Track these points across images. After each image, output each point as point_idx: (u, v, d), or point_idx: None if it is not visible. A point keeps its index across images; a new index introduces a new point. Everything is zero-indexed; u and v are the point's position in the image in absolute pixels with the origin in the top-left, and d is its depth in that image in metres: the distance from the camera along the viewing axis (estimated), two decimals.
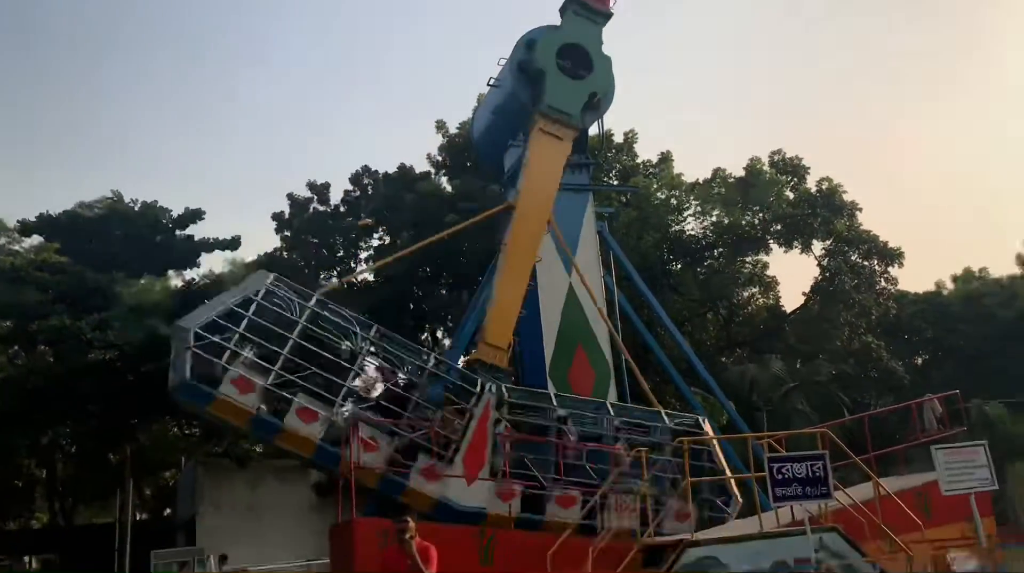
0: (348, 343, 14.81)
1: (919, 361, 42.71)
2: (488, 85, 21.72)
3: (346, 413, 14.14)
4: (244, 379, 13.53)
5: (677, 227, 33.60)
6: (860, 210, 32.32)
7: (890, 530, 12.57)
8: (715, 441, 16.38)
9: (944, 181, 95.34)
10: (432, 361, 15.72)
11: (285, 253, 35.26)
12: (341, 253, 35.36)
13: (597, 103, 20.19)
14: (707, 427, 17.01)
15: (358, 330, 15.05)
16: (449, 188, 32.69)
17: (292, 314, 14.55)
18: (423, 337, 35.37)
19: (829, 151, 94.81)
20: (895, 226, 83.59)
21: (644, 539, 12.40)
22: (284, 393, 13.85)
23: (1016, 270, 51.01)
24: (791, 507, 12.03)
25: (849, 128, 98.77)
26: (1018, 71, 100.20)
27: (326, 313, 15.11)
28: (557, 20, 20.38)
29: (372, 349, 15.15)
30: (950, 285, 48.37)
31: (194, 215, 32.72)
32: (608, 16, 20.42)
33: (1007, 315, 40.03)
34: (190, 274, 33.27)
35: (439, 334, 35.31)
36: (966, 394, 24.76)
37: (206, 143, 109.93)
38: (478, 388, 15.15)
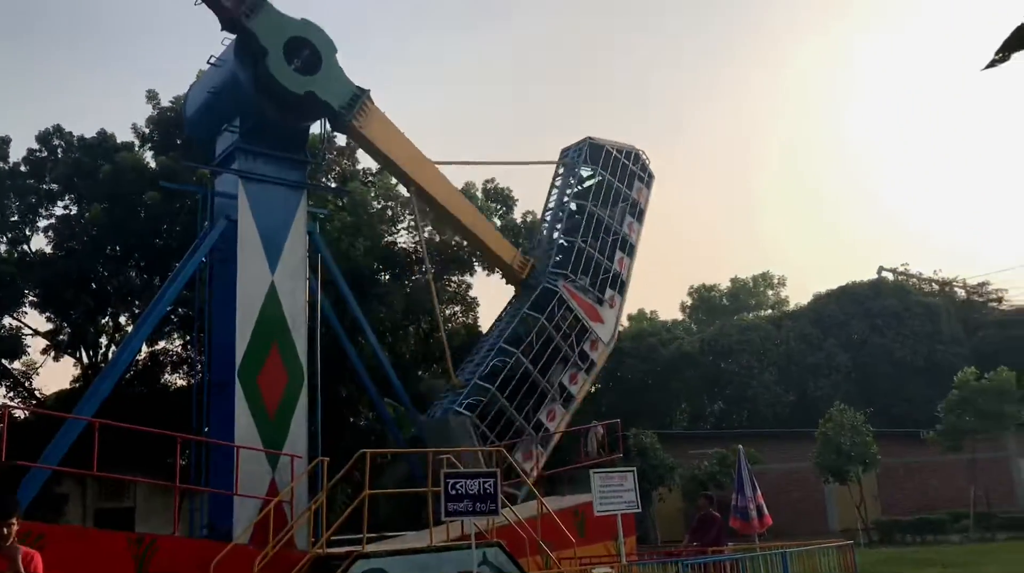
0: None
1: (593, 389, 46.64)
2: (209, 63, 20.52)
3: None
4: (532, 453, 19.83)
5: (390, 238, 33.92)
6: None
7: (548, 546, 13.56)
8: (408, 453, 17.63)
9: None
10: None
11: None
12: (16, 218, 31.49)
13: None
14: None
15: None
16: (153, 164, 30.36)
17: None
18: (103, 320, 32.43)
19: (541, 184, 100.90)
20: None
21: (315, 550, 12.27)
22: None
23: (679, 315, 58.05)
24: (462, 522, 12.55)
25: None
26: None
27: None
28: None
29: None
30: (626, 322, 53.77)
31: None
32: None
33: (667, 354, 45.23)
34: None
35: (122, 319, 32.51)
36: (628, 423, 27.48)
37: None
38: (554, 291, 22.40)
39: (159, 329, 28.61)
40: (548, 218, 25.88)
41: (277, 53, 18.96)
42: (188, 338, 30.96)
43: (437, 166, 22.79)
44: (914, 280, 51.45)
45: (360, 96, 20.40)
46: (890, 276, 51.37)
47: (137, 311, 29.92)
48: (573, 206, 24.79)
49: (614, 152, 25.46)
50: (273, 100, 19.39)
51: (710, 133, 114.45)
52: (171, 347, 32.91)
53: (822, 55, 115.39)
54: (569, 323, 22.50)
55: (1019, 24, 2.03)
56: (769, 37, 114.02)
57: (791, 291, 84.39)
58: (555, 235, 24.63)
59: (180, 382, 32.50)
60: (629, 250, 25.19)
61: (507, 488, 18.69)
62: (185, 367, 32.43)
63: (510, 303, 24.49)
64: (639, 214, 25.71)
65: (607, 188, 24.98)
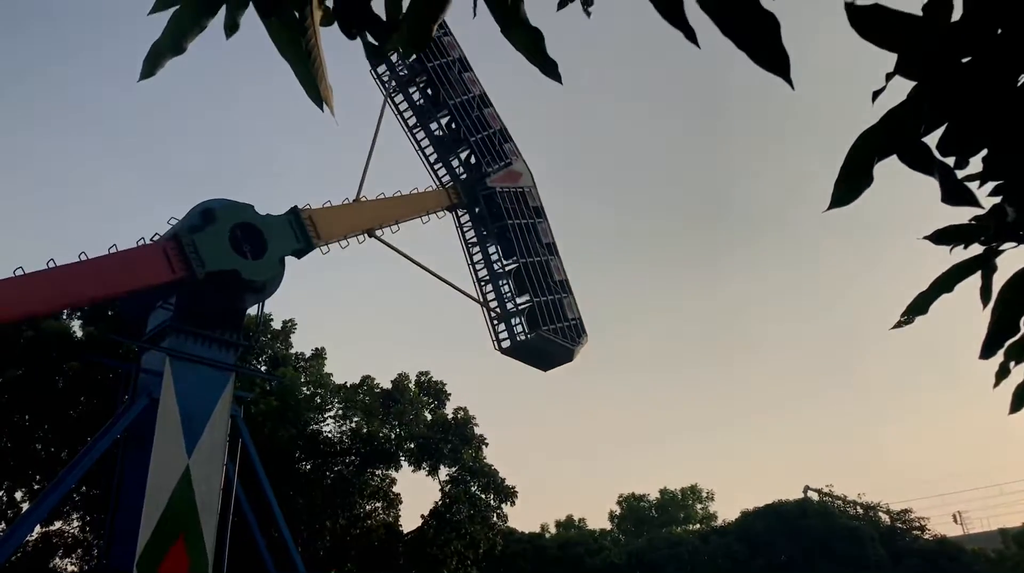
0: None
1: None
2: (151, 241, 20.63)
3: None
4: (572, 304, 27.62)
5: (316, 426, 33.15)
6: (487, 444, 34.45)
7: None
8: None
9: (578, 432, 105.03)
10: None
11: None
12: None
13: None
14: None
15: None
16: (80, 333, 29.67)
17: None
18: None
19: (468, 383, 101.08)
20: (519, 466, 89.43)
21: None
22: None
23: (607, 525, 56.91)
24: None
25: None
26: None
27: None
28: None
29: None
30: (553, 529, 52.54)
31: None
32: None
33: (593, 566, 43.86)
34: None
35: (18, 495, 30.38)
36: None
37: None
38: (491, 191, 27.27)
39: (57, 507, 26.84)
40: (413, 123, 28.48)
41: (242, 263, 19.29)
42: (88, 519, 29.05)
43: (366, 200, 23.93)
44: (839, 502, 51.77)
45: (298, 216, 20.88)
46: (815, 496, 51.64)
47: (37, 487, 28.12)
48: (419, 97, 28.30)
49: None
50: (227, 288, 19.42)
51: (643, 343, 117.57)
52: (67, 528, 30.75)
53: (746, 287, 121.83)
54: (512, 200, 27.28)
55: (919, 293, 2.31)
56: (704, 268, 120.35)
57: (719, 505, 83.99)
58: (433, 128, 28.05)
59: (72, 568, 30.14)
60: (487, 100, 28.67)
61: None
62: (80, 551, 30.18)
63: (460, 222, 27.93)
64: (465, 62, 28.94)
65: (435, 70, 27.77)
